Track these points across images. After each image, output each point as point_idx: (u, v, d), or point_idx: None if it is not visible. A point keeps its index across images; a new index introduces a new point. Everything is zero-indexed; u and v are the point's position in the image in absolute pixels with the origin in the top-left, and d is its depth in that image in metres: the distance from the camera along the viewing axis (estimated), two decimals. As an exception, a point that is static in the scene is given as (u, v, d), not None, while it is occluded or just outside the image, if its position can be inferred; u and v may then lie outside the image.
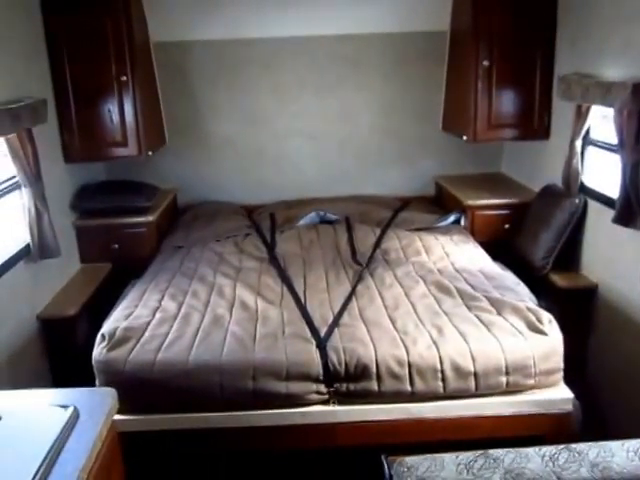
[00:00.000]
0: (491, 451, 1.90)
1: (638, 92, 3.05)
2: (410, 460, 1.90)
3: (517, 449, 1.91)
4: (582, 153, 3.90)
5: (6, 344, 3.29)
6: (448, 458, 1.89)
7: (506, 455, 1.88)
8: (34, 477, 1.66)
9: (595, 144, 3.88)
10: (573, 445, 1.92)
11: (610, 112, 3.42)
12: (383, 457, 1.99)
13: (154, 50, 4.85)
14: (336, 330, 3.10)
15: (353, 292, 3.53)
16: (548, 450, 1.90)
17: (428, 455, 1.91)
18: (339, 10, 4.82)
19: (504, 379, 2.88)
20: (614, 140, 3.39)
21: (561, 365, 2.96)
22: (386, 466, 1.96)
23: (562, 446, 1.91)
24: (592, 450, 1.89)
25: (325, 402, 2.92)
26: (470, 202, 4.54)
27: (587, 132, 3.88)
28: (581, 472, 1.80)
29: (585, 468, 1.81)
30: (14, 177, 3.54)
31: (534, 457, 1.87)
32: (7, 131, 3.22)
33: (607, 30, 3.53)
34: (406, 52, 5.05)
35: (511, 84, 4.41)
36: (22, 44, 3.73)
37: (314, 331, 3.10)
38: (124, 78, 4.25)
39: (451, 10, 4.79)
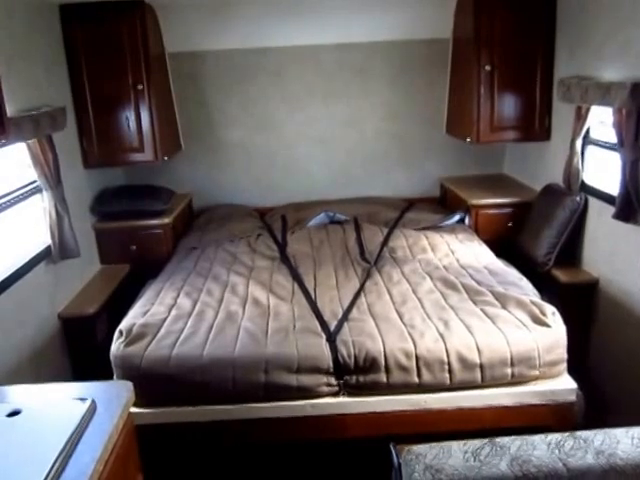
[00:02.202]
0: (498, 439, 1.86)
1: (637, 92, 3.00)
2: (418, 448, 1.85)
3: (523, 437, 1.86)
4: (582, 153, 3.85)
5: (29, 341, 3.27)
6: (455, 446, 1.84)
7: (512, 443, 1.83)
8: (52, 467, 1.64)
9: (595, 143, 3.83)
10: (578, 432, 1.87)
11: (607, 118, 3.36)
12: (392, 446, 1.95)
13: (169, 60, 4.84)
14: (345, 324, 3.07)
15: (362, 288, 3.49)
16: (554, 437, 1.84)
17: (436, 443, 1.86)
18: (345, 20, 4.80)
19: (509, 370, 2.84)
20: (612, 140, 3.34)
21: (565, 356, 2.91)
22: (395, 454, 1.91)
23: (567, 433, 1.86)
24: (597, 437, 1.83)
25: (335, 394, 2.88)
26: (474, 202, 4.49)
27: (587, 132, 3.82)
28: (587, 459, 1.75)
29: (590, 455, 1.76)
30: (35, 181, 3.53)
31: (540, 444, 1.82)
32: (28, 137, 3.21)
33: (605, 33, 3.48)
34: (410, 59, 5.02)
35: (512, 88, 4.37)
36: (42, 53, 3.72)
37: (324, 325, 3.06)
38: (140, 87, 4.23)
39: (453, 18, 4.75)
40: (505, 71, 4.31)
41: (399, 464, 1.87)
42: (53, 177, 3.51)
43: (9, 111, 2.51)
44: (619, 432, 1.86)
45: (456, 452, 1.81)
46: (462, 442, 1.85)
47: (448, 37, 4.87)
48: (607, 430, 1.88)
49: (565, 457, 1.76)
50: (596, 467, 1.73)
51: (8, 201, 3.28)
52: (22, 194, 3.45)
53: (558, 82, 3.94)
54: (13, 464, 1.68)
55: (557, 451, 1.78)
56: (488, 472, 1.73)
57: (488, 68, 4.29)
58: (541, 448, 1.80)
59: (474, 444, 1.83)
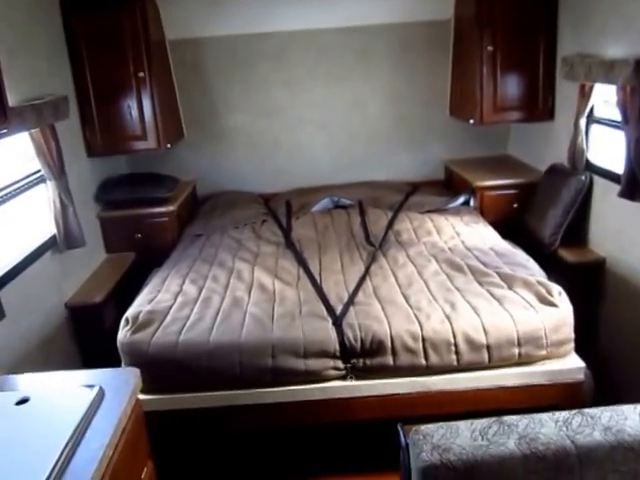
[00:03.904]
0: (505, 417, 1.85)
1: (641, 68, 2.97)
2: (425, 428, 1.84)
3: (531, 415, 1.86)
4: (586, 131, 3.82)
5: (37, 330, 3.28)
6: (463, 425, 1.84)
7: (520, 421, 1.82)
8: (61, 454, 1.65)
9: (599, 122, 3.80)
10: (586, 410, 1.86)
11: (610, 97, 3.34)
12: (399, 426, 1.95)
13: (169, 47, 4.82)
14: (351, 308, 3.06)
15: (367, 272, 3.48)
16: (561, 415, 1.84)
17: (443, 423, 1.86)
18: (346, 3, 4.77)
19: (516, 351, 2.83)
20: (616, 118, 3.31)
21: (572, 336, 2.90)
22: (402, 435, 1.92)
23: (575, 411, 1.85)
24: (605, 414, 1.82)
25: (343, 377, 2.88)
26: (479, 183, 4.46)
27: (591, 111, 3.79)
28: (594, 436, 1.74)
29: (598, 432, 1.75)
30: (39, 171, 3.52)
31: (548, 422, 1.81)
32: (30, 126, 3.20)
33: (608, 10, 3.44)
34: (412, 41, 4.98)
35: (515, 67, 4.34)
36: (43, 43, 3.70)
37: (330, 309, 3.06)
38: (142, 75, 4.22)
39: (454, -1, 4.72)
40: (507, 51, 4.28)
41: (407, 444, 1.87)
42: (57, 167, 3.50)
43: (11, 101, 2.51)
44: (626, 408, 1.86)
45: (463, 431, 1.80)
46: (469, 421, 1.85)
47: (449, 18, 4.84)
48: (614, 407, 1.87)
49: (573, 434, 1.75)
50: (604, 444, 1.73)
51: (13, 191, 3.28)
52: (26, 184, 3.45)
53: (561, 60, 3.91)
54: (23, 451, 1.70)
55: (565, 428, 1.77)
56: (496, 451, 1.73)
57: (490, 48, 4.26)
58: (549, 426, 1.79)
59: (481, 423, 1.83)
